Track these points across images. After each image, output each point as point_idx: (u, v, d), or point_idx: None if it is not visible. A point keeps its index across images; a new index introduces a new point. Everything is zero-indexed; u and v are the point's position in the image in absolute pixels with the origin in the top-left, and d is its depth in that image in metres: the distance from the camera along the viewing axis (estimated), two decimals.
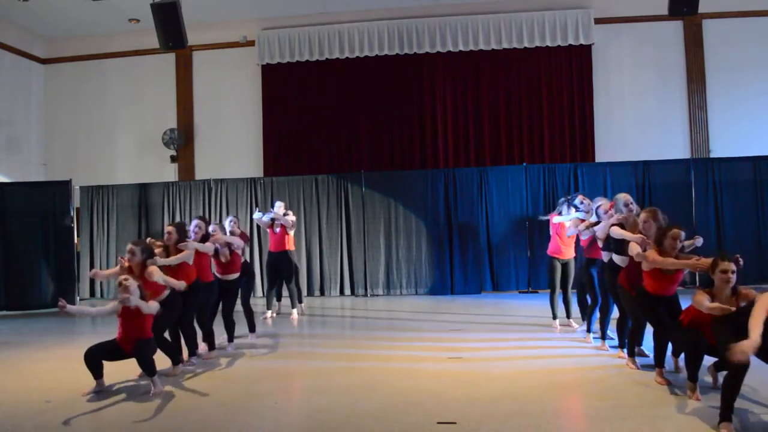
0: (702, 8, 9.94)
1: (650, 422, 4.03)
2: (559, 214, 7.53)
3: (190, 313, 6.18)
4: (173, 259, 5.95)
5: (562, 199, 7.79)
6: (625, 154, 11.96)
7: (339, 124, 13.23)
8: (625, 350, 5.85)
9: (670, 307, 5.08)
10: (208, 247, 6.40)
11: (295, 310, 9.24)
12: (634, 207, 6.04)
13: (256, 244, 12.06)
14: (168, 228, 6.23)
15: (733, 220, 11.05)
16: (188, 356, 6.21)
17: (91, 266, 12.65)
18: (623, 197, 6.12)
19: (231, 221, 7.62)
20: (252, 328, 7.59)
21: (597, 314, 6.59)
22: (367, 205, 11.86)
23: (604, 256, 6.20)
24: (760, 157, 11.16)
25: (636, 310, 5.43)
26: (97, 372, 5.19)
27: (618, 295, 5.86)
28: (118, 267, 5.72)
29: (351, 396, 4.87)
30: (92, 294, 12.61)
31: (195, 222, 6.50)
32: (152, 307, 5.15)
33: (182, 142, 13.53)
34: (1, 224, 10.96)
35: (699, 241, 5.42)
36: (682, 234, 4.97)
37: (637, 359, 5.59)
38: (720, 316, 4.24)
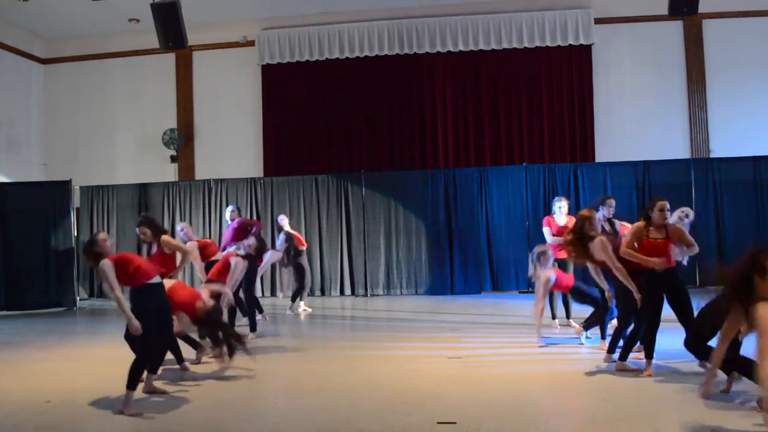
0: (702, 8, 9.95)
1: (650, 422, 4.03)
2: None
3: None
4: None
5: (558, 203, 7.77)
6: (625, 154, 11.94)
7: (339, 124, 13.23)
8: (607, 340, 6.07)
9: (672, 287, 5.17)
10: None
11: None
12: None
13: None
14: (139, 230, 6.19)
15: (733, 220, 11.05)
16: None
17: (91, 266, 12.65)
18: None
19: (231, 210, 8.42)
20: (253, 327, 7.58)
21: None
22: (367, 205, 11.86)
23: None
24: (760, 157, 11.16)
25: (629, 302, 5.45)
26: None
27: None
28: None
29: (351, 396, 4.86)
30: (92, 294, 12.62)
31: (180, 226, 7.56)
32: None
33: (182, 142, 13.52)
34: (1, 224, 10.97)
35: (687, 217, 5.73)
36: (667, 204, 5.29)
37: (630, 363, 5.50)
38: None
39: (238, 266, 6.56)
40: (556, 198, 7.96)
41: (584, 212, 5.86)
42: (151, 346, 4.68)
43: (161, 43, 10.16)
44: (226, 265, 6.77)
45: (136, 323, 4.55)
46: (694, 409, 4.28)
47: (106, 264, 4.62)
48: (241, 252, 7.09)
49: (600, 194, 10.91)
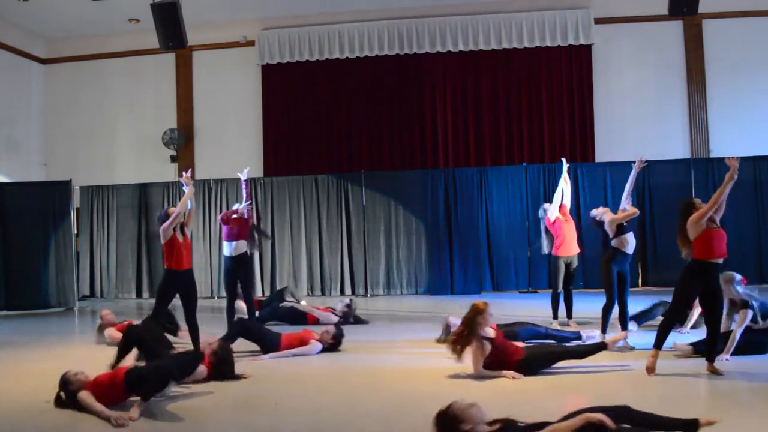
0: (702, 8, 9.92)
1: None
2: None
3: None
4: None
5: (541, 209, 7.94)
6: (625, 154, 11.87)
7: (339, 124, 13.22)
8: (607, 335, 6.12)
9: (711, 285, 5.08)
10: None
11: None
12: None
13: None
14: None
15: (733, 220, 11.01)
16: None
17: (92, 266, 12.67)
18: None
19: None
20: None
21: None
22: (367, 205, 11.86)
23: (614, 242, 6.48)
24: (760, 157, 11.16)
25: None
26: None
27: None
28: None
29: (351, 396, 4.86)
30: (92, 294, 12.62)
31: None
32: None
33: (182, 142, 13.51)
34: (1, 224, 10.95)
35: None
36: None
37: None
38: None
39: (315, 349, 6.43)
40: (540, 209, 8.00)
41: (479, 304, 5.32)
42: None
43: (161, 43, 10.16)
44: (303, 341, 6.49)
45: (114, 416, 4.34)
46: (695, 408, 4.27)
47: (84, 395, 4.57)
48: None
49: (600, 194, 11.01)
